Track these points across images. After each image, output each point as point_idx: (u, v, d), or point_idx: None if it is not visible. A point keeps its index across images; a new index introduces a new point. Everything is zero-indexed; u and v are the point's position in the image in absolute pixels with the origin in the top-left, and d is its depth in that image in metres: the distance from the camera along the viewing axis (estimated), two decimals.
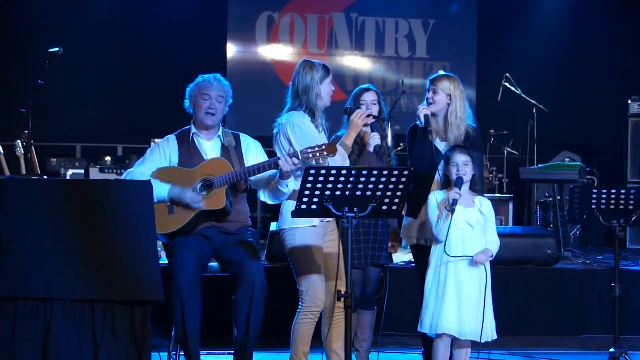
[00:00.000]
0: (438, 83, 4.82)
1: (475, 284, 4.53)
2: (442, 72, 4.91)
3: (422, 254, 4.77)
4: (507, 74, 9.22)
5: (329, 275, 4.60)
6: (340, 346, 4.61)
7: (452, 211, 4.45)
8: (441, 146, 4.80)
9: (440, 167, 4.70)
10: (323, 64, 4.68)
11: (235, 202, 4.71)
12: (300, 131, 4.57)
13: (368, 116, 4.78)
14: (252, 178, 4.63)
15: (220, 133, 4.82)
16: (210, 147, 4.78)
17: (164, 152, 4.75)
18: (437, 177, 4.73)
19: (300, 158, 4.36)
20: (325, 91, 4.64)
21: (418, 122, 4.85)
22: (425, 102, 4.85)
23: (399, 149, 8.60)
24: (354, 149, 4.93)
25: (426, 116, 4.76)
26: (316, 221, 4.51)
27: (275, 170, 4.51)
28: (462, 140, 4.77)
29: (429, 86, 4.85)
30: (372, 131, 4.88)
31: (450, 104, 4.80)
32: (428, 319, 4.55)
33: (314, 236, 4.55)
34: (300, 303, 4.59)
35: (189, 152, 4.74)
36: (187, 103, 4.82)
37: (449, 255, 4.49)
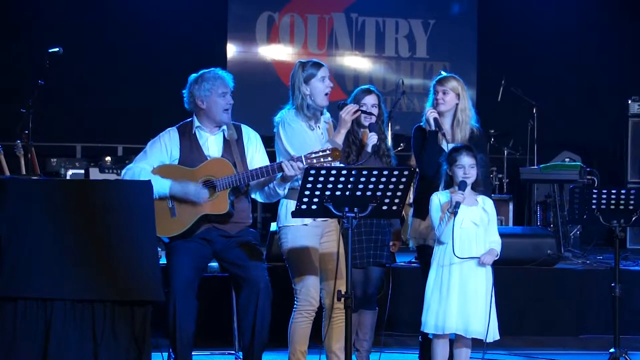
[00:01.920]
0: (446, 83, 4.82)
1: (482, 282, 4.52)
2: (444, 73, 4.92)
3: (428, 254, 4.75)
4: (507, 74, 9.22)
5: (330, 275, 4.59)
6: (340, 347, 4.60)
7: (455, 213, 4.43)
8: (447, 147, 4.79)
9: (443, 166, 4.65)
10: (314, 62, 4.63)
11: (237, 202, 4.67)
12: (292, 130, 4.57)
13: (356, 111, 4.66)
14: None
15: (224, 126, 4.76)
16: (212, 141, 4.72)
17: (165, 145, 4.69)
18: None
19: (305, 163, 4.34)
20: (314, 89, 4.58)
21: (422, 124, 4.85)
22: (430, 104, 4.85)
23: (399, 149, 8.59)
24: (352, 149, 4.93)
25: (436, 119, 4.76)
26: (307, 220, 4.50)
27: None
28: (467, 140, 4.78)
29: (437, 87, 4.84)
30: (370, 131, 4.87)
31: (458, 103, 4.83)
32: (432, 319, 4.53)
33: (308, 235, 4.54)
34: (295, 302, 4.59)
35: (189, 147, 4.68)
36: (190, 98, 4.70)
37: (457, 257, 4.46)
